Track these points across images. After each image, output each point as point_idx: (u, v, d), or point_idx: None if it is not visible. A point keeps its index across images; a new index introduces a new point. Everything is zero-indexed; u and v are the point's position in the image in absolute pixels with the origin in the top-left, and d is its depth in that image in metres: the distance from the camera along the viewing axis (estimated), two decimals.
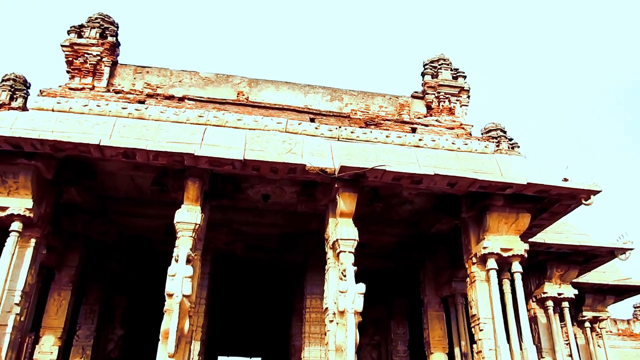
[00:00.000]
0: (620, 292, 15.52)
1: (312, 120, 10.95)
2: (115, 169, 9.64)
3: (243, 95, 11.29)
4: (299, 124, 10.45)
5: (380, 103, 11.65)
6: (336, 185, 9.25)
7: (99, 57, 11.30)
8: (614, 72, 73.32)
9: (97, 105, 10.21)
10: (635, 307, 27.38)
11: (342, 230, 9.20)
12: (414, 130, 11.26)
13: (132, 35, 62.39)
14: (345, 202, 9.29)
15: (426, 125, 11.37)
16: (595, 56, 73.63)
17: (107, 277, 13.25)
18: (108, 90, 11.02)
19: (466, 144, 10.81)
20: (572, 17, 73.73)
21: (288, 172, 9.17)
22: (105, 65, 11.33)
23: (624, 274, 15.63)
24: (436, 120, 11.53)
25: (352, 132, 10.54)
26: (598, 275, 14.64)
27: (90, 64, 11.21)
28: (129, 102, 10.60)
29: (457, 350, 11.94)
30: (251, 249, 13.09)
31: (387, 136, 10.63)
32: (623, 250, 12.34)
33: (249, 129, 10.18)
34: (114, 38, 11.69)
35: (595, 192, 9.53)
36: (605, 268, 14.67)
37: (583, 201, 9.68)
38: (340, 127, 10.68)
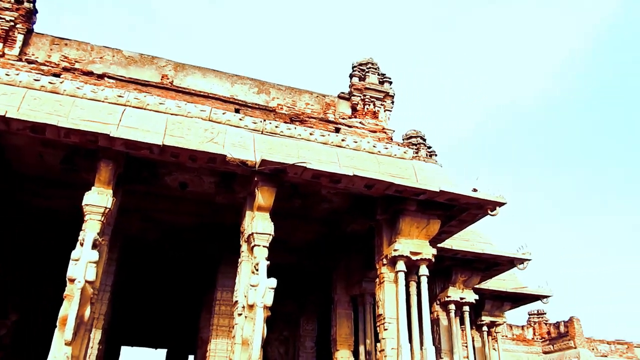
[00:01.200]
0: (517, 299, 16.53)
1: (237, 111, 10.80)
2: (22, 144, 9.05)
3: (167, 79, 10.95)
4: (223, 114, 10.29)
5: (307, 100, 11.71)
6: (256, 179, 9.21)
7: (12, 23, 10.54)
8: (529, 95, 77.96)
9: (7, 74, 9.53)
10: (529, 314, 29.27)
11: (258, 224, 9.18)
12: (337, 130, 11.41)
13: (52, 5, 58.81)
14: (264, 196, 9.27)
15: (350, 127, 11.56)
16: (509, 80, 77.96)
17: (2, 258, 12.42)
18: (20, 60, 10.30)
19: (386, 148, 11.10)
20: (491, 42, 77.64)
21: (208, 162, 9.01)
22: (19, 32, 10.58)
23: (521, 282, 16.66)
24: (360, 122, 11.75)
25: (276, 127, 10.52)
26: (498, 283, 15.51)
27: (1, 29, 10.44)
28: (42, 74, 9.97)
29: (362, 348, 12.24)
30: (165, 238, 12.75)
31: (310, 133, 10.71)
32: (522, 261, 13.17)
33: (171, 114, 9.90)
34: (32, 4, 10.95)
35: (501, 204, 10.10)
36: (505, 276, 15.57)
37: (489, 211, 10.24)
38: (265, 120, 10.62)
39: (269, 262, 8.92)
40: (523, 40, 76.63)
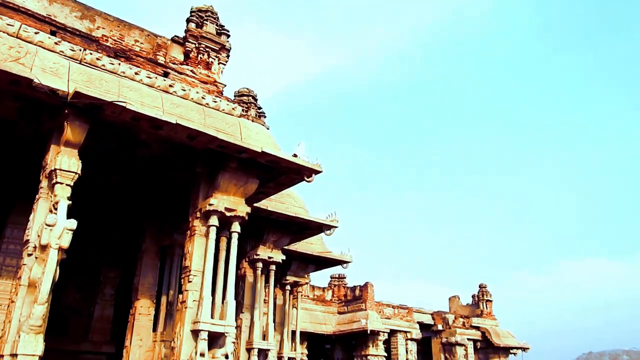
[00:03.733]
0: (321, 262, 17.69)
1: (53, 33, 9.63)
2: None
3: None
4: (36, 33, 9.10)
5: (137, 37, 10.92)
6: (67, 111, 8.42)
7: None
8: (364, 80, 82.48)
9: None
10: (331, 278, 31.59)
11: (64, 161, 8.45)
12: (166, 74, 10.85)
13: None
14: (74, 132, 8.54)
15: (180, 73, 11.08)
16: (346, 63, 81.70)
17: None
18: None
19: (215, 102, 10.89)
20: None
21: (10, 84, 7.99)
22: None
23: (327, 247, 17.85)
24: (191, 71, 11.33)
25: (98, 59, 9.64)
26: (306, 246, 16.41)
27: None
28: None
29: (164, 299, 12.11)
30: None
31: (136, 73, 10.02)
32: (329, 227, 14.09)
33: None
34: None
35: (317, 172, 10.62)
36: (313, 240, 16.54)
37: (306, 177, 10.71)
38: (85, 50, 9.68)
39: (70, 202, 8.30)
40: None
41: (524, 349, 34.18)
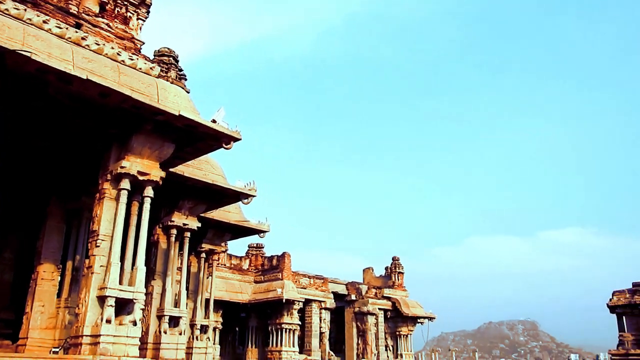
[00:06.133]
0: (238, 231, 17.55)
1: None
2: None
3: None
4: None
5: None
6: None
7: None
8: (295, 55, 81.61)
9: None
10: (249, 247, 31.56)
11: None
12: (79, 26, 10.13)
13: None
14: None
15: (94, 26, 10.38)
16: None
17: None
18: None
19: (132, 59, 10.33)
20: None
21: None
22: None
23: (245, 216, 17.71)
24: (107, 25, 10.66)
25: (1, 3, 8.84)
26: (223, 214, 16.18)
27: None
28: None
29: (69, 264, 11.57)
30: None
31: (44, 21, 9.27)
32: (247, 196, 13.95)
33: None
34: None
35: (236, 139, 10.42)
36: (231, 208, 16.34)
37: (224, 145, 10.49)
38: None
39: None
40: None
41: (430, 319, 36.04)
